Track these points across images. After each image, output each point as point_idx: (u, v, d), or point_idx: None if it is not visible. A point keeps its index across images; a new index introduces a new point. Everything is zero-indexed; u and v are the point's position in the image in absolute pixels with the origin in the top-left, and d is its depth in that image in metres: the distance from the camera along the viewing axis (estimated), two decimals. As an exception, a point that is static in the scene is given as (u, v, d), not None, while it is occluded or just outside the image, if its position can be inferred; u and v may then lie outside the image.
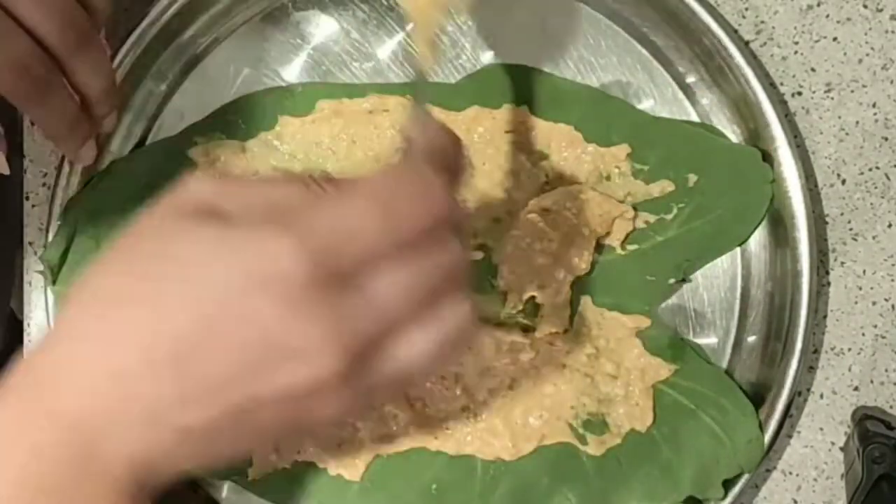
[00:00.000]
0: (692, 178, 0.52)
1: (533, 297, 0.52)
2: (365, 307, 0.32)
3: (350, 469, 0.52)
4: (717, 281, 0.54)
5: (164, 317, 0.32)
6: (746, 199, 0.52)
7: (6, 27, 0.39)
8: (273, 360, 0.31)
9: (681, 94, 0.54)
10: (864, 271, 0.54)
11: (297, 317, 0.31)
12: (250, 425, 0.33)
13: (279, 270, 0.31)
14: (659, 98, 0.54)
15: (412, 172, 0.35)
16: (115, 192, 0.53)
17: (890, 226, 0.54)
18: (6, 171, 0.46)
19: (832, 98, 0.54)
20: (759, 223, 0.52)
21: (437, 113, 0.53)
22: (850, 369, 0.54)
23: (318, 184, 0.34)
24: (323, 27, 0.55)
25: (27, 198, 0.56)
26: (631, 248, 0.52)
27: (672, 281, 0.52)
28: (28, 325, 0.56)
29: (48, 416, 0.32)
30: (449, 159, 0.37)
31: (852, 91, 0.54)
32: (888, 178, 0.54)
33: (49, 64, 0.42)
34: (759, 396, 0.52)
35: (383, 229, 0.32)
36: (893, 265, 0.54)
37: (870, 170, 0.54)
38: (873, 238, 0.54)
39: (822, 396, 0.54)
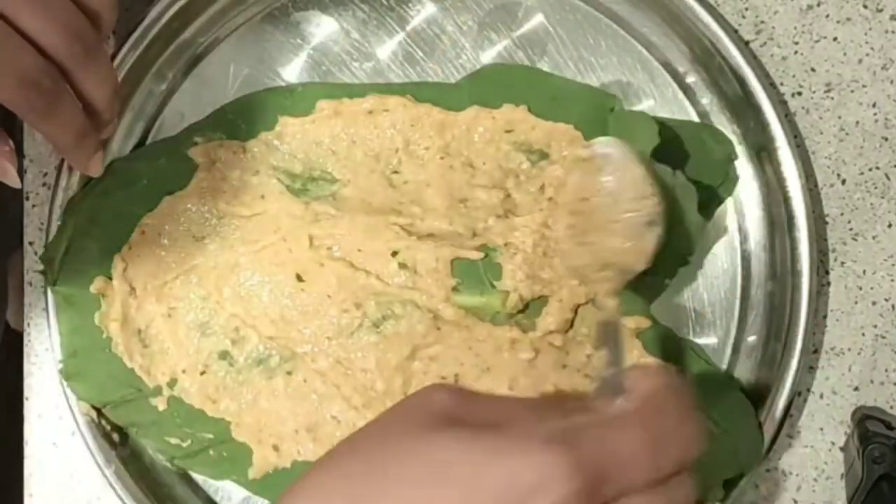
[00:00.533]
0: (678, 173, 0.52)
1: (534, 298, 0.52)
2: None
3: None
4: (717, 281, 0.54)
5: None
6: (709, 166, 0.52)
7: (12, 42, 0.39)
8: None
9: (681, 94, 0.54)
10: (864, 271, 0.54)
11: None
12: None
13: (552, 487, 0.31)
14: (659, 98, 0.54)
15: (681, 413, 0.35)
16: (115, 192, 0.53)
17: (890, 226, 0.54)
18: (18, 185, 0.45)
19: (832, 98, 0.54)
20: (728, 189, 0.52)
21: (437, 113, 0.53)
22: (850, 369, 0.54)
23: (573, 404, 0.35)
24: (323, 27, 0.55)
25: (27, 198, 0.56)
26: None
27: (668, 281, 0.52)
28: (28, 325, 0.56)
29: None
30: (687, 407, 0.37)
31: (852, 91, 0.54)
32: (888, 178, 0.54)
33: (56, 77, 0.41)
34: (758, 396, 0.52)
35: (650, 467, 0.33)
36: (893, 265, 0.54)
37: (870, 170, 0.54)
38: (873, 238, 0.54)
39: (822, 396, 0.54)
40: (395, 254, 0.52)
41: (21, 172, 0.57)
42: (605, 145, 0.49)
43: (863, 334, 0.54)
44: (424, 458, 0.33)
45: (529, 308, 0.52)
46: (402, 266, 0.52)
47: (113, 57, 0.53)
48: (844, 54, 0.54)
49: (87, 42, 0.41)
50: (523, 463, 0.32)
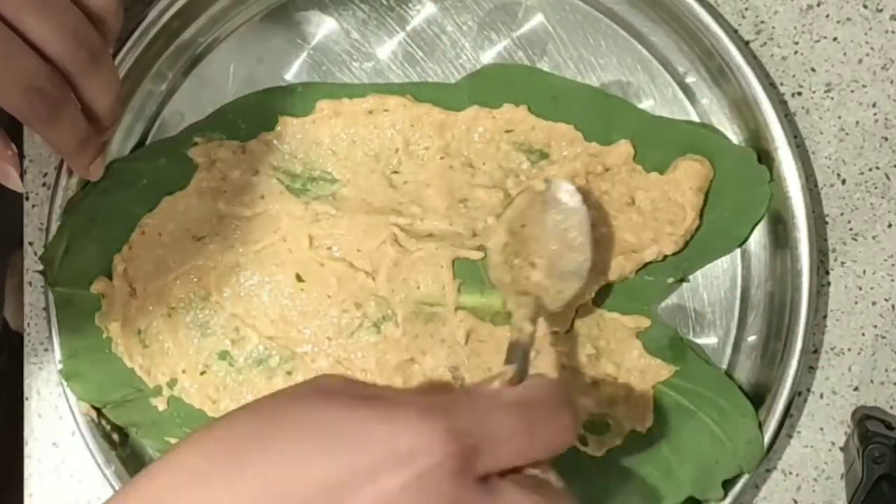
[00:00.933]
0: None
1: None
2: None
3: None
4: (717, 281, 0.54)
5: (297, 468, 0.33)
6: (745, 200, 0.52)
7: (15, 47, 0.39)
8: None
9: (681, 94, 0.54)
10: (864, 271, 0.54)
11: (424, 499, 0.32)
12: None
13: (429, 450, 0.33)
14: (659, 98, 0.54)
15: (556, 403, 0.37)
16: (115, 193, 0.53)
17: (890, 226, 0.54)
18: (20, 190, 0.46)
19: (832, 98, 0.54)
20: (757, 224, 0.52)
21: (437, 113, 0.53)
22: (850, 369, 0.54)
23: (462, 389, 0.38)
24: (323, 27, 0.55)
25: (27, 198, 0.56)
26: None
27: (671, 280, 0.52)
28: (28, 325, 0.56)
29: None
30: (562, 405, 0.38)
31: (852, 91, 0.54)
32: (888, 178, 0.54)
33: (60, 83, 0.41)
34: (759, 396, 0.52)
35: (523, 447, 0.35)
36: (893, 265, 0.54)
37: (870, 170, 0.54)
38: (873, 238, 0.54)
39: (822, 396, 0.54)
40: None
41: (21, 173, 0.57)
42: (561, 189, 0.49)
43: (863, 334, 0.54)
44: (307, 422, 0.34)
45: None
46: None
47: (113, 56, 0.53)
48: (844, 54, 0.54)
49: (91, 48, 0.41)
50: (402, 427, 0.33)
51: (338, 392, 0.35)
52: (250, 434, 0.34)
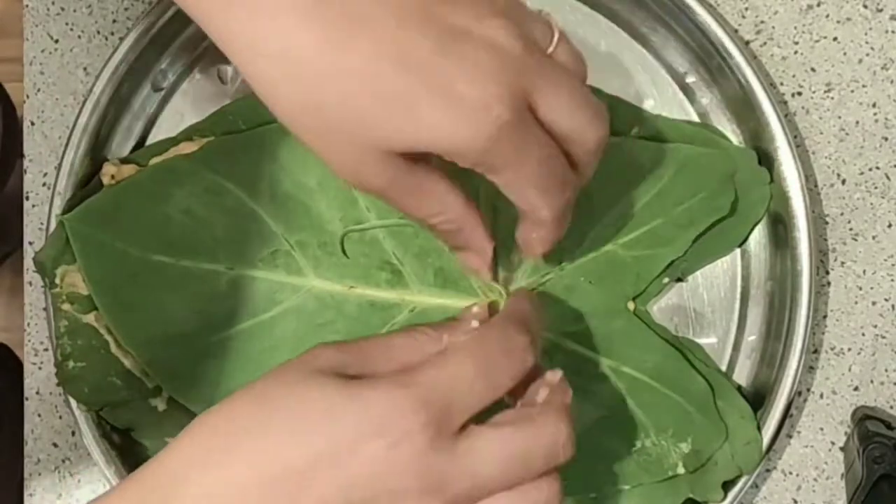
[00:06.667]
0: None
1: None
2: (463, 471, 0.36)
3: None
4: (717, 281, 0.54)
5: (283, 448, 0.36)
6: (745, 201, 0.52)
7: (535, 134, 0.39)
8: (375, 500, 0.35)
9: (681, 94, 0.54)
10: (864, 271, 0.54)
11: (406, 467, 0.35)
12: None
13: (399, 422, 0.36)
14: (659, 98, 0.54)
15: (503, 333, 0.39)
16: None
17: (890, 226, 0.54)
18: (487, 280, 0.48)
19: (832, 98, 0.54)
20: (757, 224, 0.52)
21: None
22: (850, 369, 0.54)
23: (423, 333, 0.40)
24: (323, 27, 0.55)
25: (27, 198, 0.56)
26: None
27: (666, 280, 0.52)
28: (28, 325, 0.56)
29: None
30: (529, 322, 0.41)
31: (852, 91, 0.54)
32: (888, 178, 0.54)
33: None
34: (758, 396, 0.52)
35: (487, 386, 0.38)
36: (893, 265, 0.54)
37: (870, 170, 0.54)
38: (873, 238, 0.54)
39: (822, 396, 0.54)
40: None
41: (21, 172, 0.57)
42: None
43: (863, 334, 0.54)
44: (296, 405, 0.36)
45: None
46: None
47: (112, 56, 0.53)
48: (844, 54, 0.54)
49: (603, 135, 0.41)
50: (373, 401, 0.36)
51: (326, 372, 0.37)
52: (245, 420, 0.37)
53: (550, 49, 0.41)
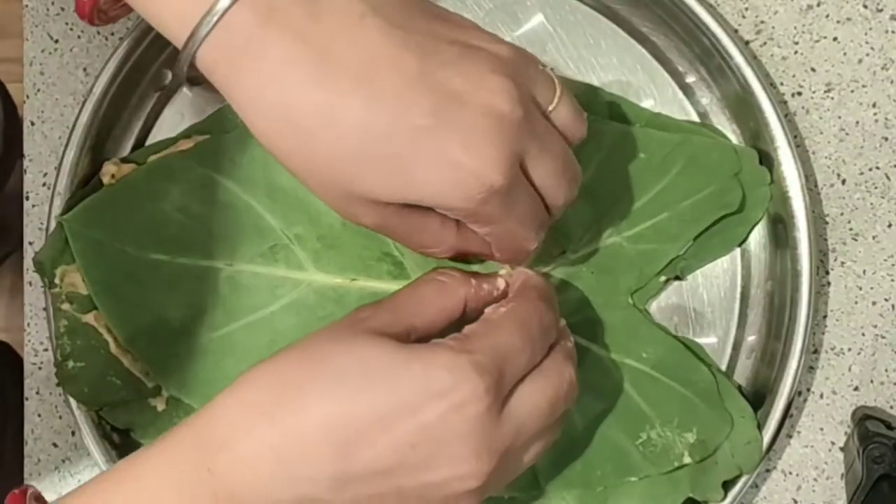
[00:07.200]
0: None
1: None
2: (510, 430, 0.39)
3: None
4: (717, 280, 0.54)
5: (345, 403, 0.37)
6: (745, 200, 0.52)
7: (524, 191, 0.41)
8: (430, 462, 0.37)
9: (681, 94, 0.54)
10: (864, 271, 0.54)
11: (469, 429, 0.37)
12: None
13: (464, 386, 0.37)
14: (659, 98, 0.54)
15: (538, 310, 0.42)
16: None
17: (890, 226, 0.54)
18: None
19: (832, 98, 0.54)
20: (757, 224, 0.52)
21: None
22: (850, 369, 0.54)
23: (450, 276, 0.43)
24: (323, 27, 0.55)
25: (27, 198, 0.56)
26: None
27: (664, 279, 0.52)
28: (28, 325, 0.56)
29: (205, 480, 0.37)
30: (552, 300, 0.44)
31: (852, 91, 0.54)
32: (888, 178, 0.54)
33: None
34: (758, 396, 0.52)
35: (531, 352, 0.40)
36: (893, 265, 0.54)
37: (870, 170, 0.54)
38: (873, 238, 0.54)
39: (822, 396, 0.54)
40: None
41: (21, 172, 0.57)
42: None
43: (863, 334, 0.54)
44: (351, 363, 0.37)
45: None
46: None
47: (112, 56, 0.53)
48: (844, 54, 0.54)
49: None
50: (435, 365, 0.37)
51: (379, 332, 0.39)
52: (299, 376, 0.38)
53: (551, 107, 0.41)
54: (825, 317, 0.54)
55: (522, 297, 0.42)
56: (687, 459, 0.50)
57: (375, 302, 0.41)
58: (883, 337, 0.54)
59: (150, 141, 0.56)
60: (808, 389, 0.54)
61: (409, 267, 0.51)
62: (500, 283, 0.44)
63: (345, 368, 0.37)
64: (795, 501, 0.54)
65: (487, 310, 0.42)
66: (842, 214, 0.54)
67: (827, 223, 0.54)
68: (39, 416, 0.56)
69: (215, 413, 0.38)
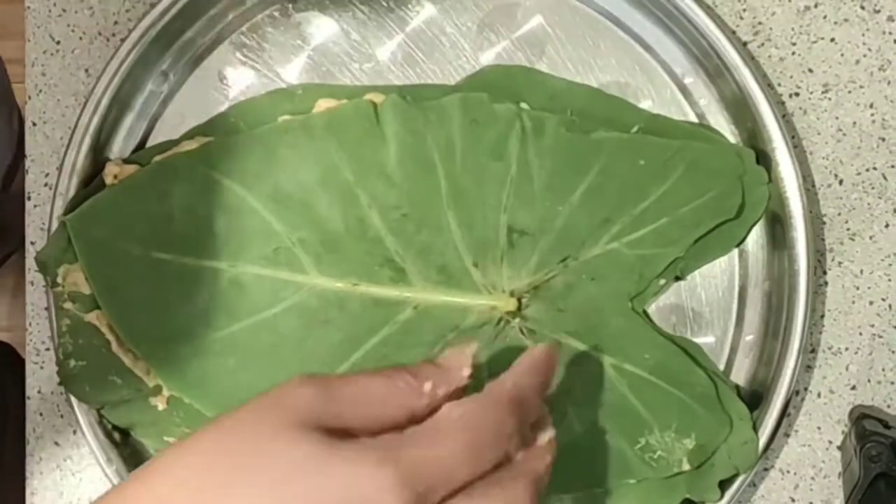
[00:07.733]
0: None
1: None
2: None
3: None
4: (714, 280, 0.54)
5: (258, 501, 0.34)
6: (743, 201, 0.52)
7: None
8: None
9: (679, 95, 0.54)
10: (862, 271, 0.54)
11: None
12: None
13: (384, 499, 0.34)
14: (657, 98, 0.54)
15: (496, 416, 0.38)
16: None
17: (887, 226, 0.54)
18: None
19: (829, 99, 0.54)
20: (755, 224, 0.52)
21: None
22: (847, 368, 0.54)
23: (403, 380, 0.38)
24: (323, 28, 0.55)
25: (28, 198, 0.56)
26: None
27: (663, 282, 0.52)
28: (29, 324, 0.56)
29: None
30: (530, 406, 0.40)
31: (849, 92, 0.54)
32: (885, 178, 0.54)
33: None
34: (756, 395, 0.52)
35: (472, 465, 0.37)
36: (890, 265, 0.54)
37: (867, 170, 0.54)
38: (870, 238, 0.54)
39: (819, 395, 0.54)
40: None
41: (23, 173, 0.57)
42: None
43: (860, 334, 0.54)
44: (269, 460, 0.35)
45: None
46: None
47: (113, 57, 0.53)
48: (842, 55, 0.54)
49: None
50: (360, 473, 0.35)
51: (308, 425, 0.36)
52: (217, 474, 0.35)
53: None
54: (822, 316, 0.54)
55: (488, 398, 0.39)
56: (686, 466, 0.50)
57: (315, 376, 0.38)
58: (880, 336, 0.54)
59: (150, 142, 0.56)
60: (806, 388, 0.54)
61: (410, 273, 0.52)
62: (466, 373, 0.40)
63: (265, 467, 0.35)
64: (793, 500, 0.54)
65: (444, 408, 0.39)
66: (839, 214, 0.54)
67: (824, 223, 0.54)
68: (41, 415, 0.56)
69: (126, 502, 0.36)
